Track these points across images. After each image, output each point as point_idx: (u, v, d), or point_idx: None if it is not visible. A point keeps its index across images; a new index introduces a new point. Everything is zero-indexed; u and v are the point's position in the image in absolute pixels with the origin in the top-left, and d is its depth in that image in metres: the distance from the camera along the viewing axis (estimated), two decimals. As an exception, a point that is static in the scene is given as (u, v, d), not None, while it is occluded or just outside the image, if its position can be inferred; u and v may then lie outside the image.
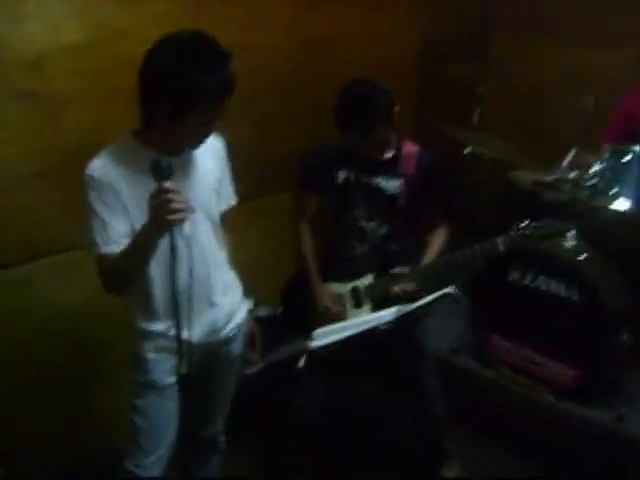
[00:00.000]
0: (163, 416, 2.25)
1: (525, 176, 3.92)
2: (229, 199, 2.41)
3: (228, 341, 2.38)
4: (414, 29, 4.40)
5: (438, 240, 3.00)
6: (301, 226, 3.05)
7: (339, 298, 2.96)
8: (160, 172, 1.91)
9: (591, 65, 3.95)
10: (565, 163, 3.34)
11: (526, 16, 4.22)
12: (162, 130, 2.04)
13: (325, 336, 2.16)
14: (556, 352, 3.34)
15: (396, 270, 2.84)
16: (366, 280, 2.92)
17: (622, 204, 3.17)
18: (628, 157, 3.22)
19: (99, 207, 2.04)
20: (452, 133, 3.62)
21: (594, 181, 3.25)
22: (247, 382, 2.52)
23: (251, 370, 2.33)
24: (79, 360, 2.98)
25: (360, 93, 2.73)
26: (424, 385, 3.09)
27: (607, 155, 3.32)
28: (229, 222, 3.42)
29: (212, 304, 2.27)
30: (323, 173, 2.94)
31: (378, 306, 2.85)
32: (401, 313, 2.11)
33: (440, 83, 4.28)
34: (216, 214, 2.30)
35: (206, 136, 2.10)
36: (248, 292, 3.51)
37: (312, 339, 2.17)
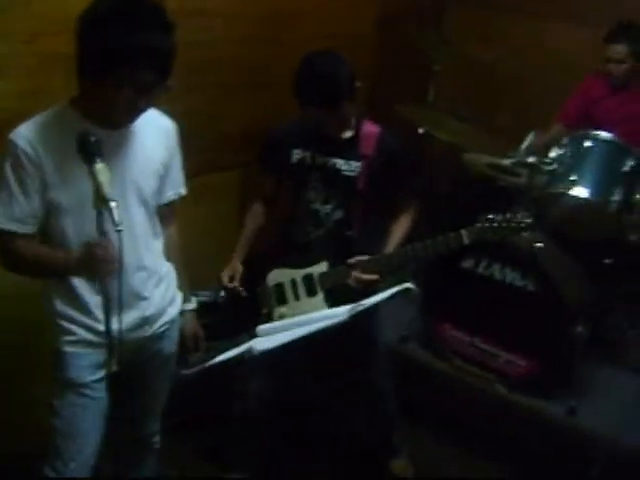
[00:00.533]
0: (85, 418, 2.05)
1: (480, 159, 3.79)
2: (178, 187, 2.20)
3: (159, 337, 2.18)
4: (370, 1, 4.20)
5: (401, 227, 2.82)
6: (254, 205, 2.90)
7: (290, 285, 2.79)
8: (87, 147, 1.72)
9: (554, 41, 3.84)
10: (524, 146, 3.20)
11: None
12: (94, 98, 1.84)
13: (270, 333, 1.97)
14: (509, 343, 3.25)
15: (353, 260, 2.66)
16: (320, 267, 2.74)
17: (580, 191, 3.05)
18: (588, 143, 3.10)
19: (12, 178, 1.84)
20: (407, 114, 3.44)
21: (553, 167, 3.12)
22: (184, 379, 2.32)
23: (188, 371, 2.13)
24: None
25: (323, 65, 2.53)
26: (377, 383, 2.99)
27: (566, 140, 3.20)
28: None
29: (142, 297, 2.07)
30: (279, 152, 2.77)
31: (331, 295, 2.69)
32: (355, 312, 1.93)
33: (396, 59, 4.11)
34: (153, 200, 2.07)
35: (140, 109, 1.88)
36: (191, 274, 3.36)
37: (256, 336, 1.98)
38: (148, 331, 2.12)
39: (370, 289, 2.56)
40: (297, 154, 2.74)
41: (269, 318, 2.75)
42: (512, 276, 3.17)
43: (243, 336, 2.06)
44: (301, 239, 2.82)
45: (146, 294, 2.08)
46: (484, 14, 4.09)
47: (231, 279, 2.83)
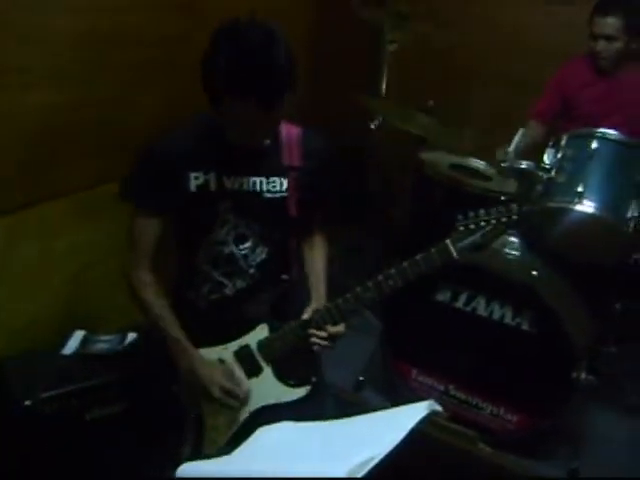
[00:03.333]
0: None
1: (442, 159, 3.15)
2: None
3: None
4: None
5: (323, 255, 2.14)
6: (138, 272, 1.97)
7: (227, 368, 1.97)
8: None
9: (526, 23, 3.23)
10: (512, 148, 2.55)
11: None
12: None
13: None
14: (495, 392, 2.67)
15: (308, 314, 1.92)
16: (259, 333, 1.96)
17: (587, 206, 2.42)
18: (595, 144, 2.47)
19: None
20: (364, 102, 2.74)
21: (551, 174, 2.49)
22: None
23: None
24: None
25: (260, 42, 1.69)
26: None
27: (565, 140, 2.57)
28: (52, 222, 2.55)
29: None
30: (167, 180, 1.90)
31: (282, 367, 1.95)
32: (366, 472, 1.11)
33: (338, 40, 3.38)
34: None
35: None
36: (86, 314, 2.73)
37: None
38: None
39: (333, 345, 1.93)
40: (196, 179, 1.90)
41: (200, 423, 1.97)
42: (501, 312, 2.56)
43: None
44: (212, 298, 2.02)
45: None
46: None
47: (234, 379, 1.95)
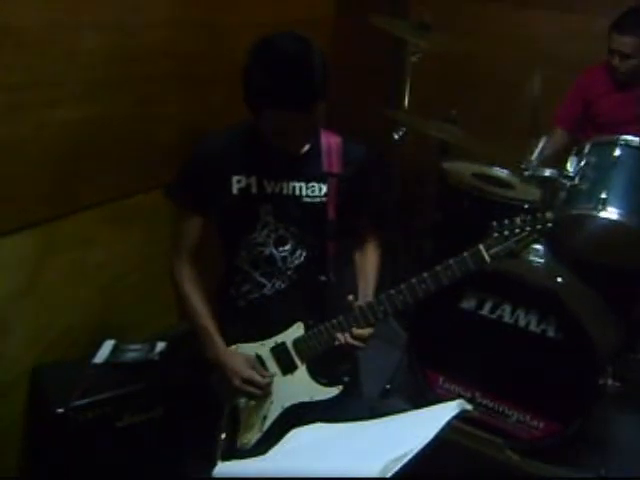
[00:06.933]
0: None
1: (465, 168, 3.18)
2: None
3: None
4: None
5: (374, 262, 2.17)
6: (180, 266, 2.06)
7: (258, 362, 2.04)
8: None
9: (540, 33, 3.27)
10: (535, 155, 2.57)
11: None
12: None
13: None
14: (522, 399, 2.67)
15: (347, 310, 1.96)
16: (295, 331, 2.01)
17: (612, 212, 2.44)
18: (617, 151, 2.49)
19: None
20: (389, 114, 2.78)
21: (575, 182, 2.51)
22: None
23: None
24: None
25: (295, 50, 1.78)
26: None
27: (588, 148, 2.59)
28: (82, 234, 2.55)
29: None
30: (210, 182, 1.98)
31: (316, 366, 1.99)
32: (395, 472, 1.15)
33: (360, 50, 3.44)
34: None
35: None
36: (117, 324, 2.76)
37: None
38: None
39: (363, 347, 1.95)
40: (239, 182, 1.97)
41: (235, 417, 2.01)
42: (527, 319, 2.57)
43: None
44: (253, 298, 2.08)
45: None
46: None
47: (258, 369, 2.00)
